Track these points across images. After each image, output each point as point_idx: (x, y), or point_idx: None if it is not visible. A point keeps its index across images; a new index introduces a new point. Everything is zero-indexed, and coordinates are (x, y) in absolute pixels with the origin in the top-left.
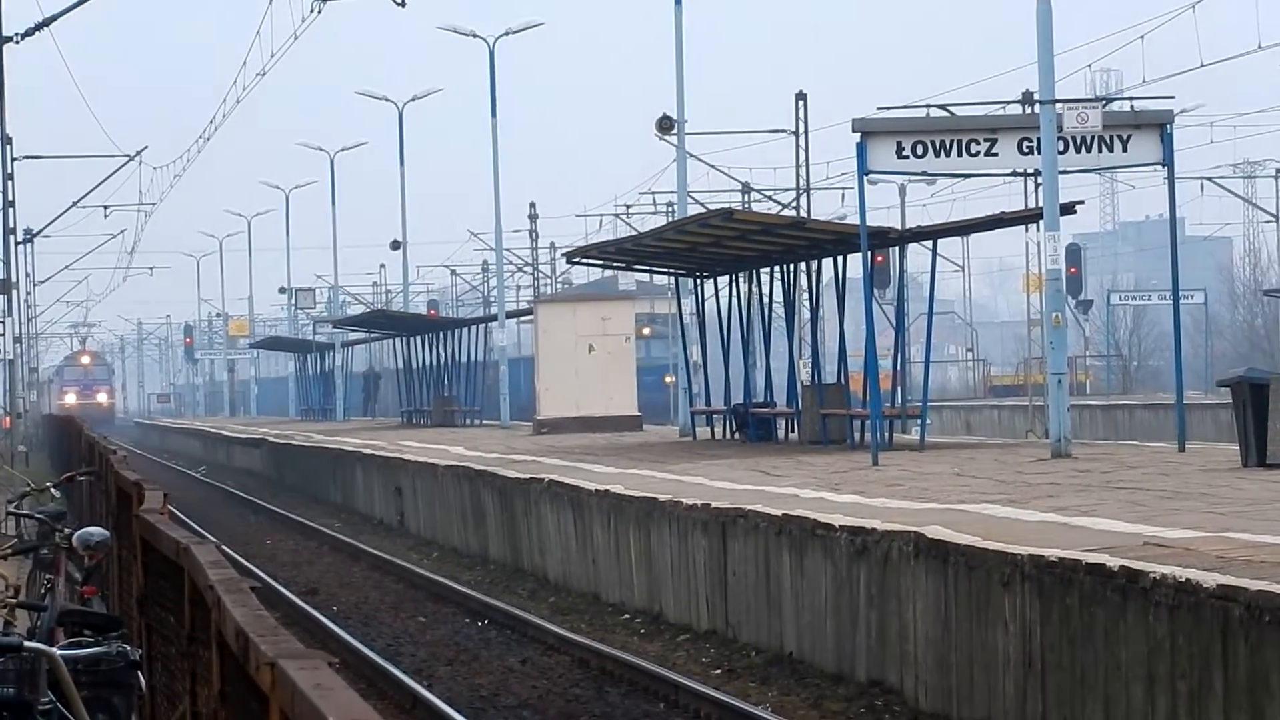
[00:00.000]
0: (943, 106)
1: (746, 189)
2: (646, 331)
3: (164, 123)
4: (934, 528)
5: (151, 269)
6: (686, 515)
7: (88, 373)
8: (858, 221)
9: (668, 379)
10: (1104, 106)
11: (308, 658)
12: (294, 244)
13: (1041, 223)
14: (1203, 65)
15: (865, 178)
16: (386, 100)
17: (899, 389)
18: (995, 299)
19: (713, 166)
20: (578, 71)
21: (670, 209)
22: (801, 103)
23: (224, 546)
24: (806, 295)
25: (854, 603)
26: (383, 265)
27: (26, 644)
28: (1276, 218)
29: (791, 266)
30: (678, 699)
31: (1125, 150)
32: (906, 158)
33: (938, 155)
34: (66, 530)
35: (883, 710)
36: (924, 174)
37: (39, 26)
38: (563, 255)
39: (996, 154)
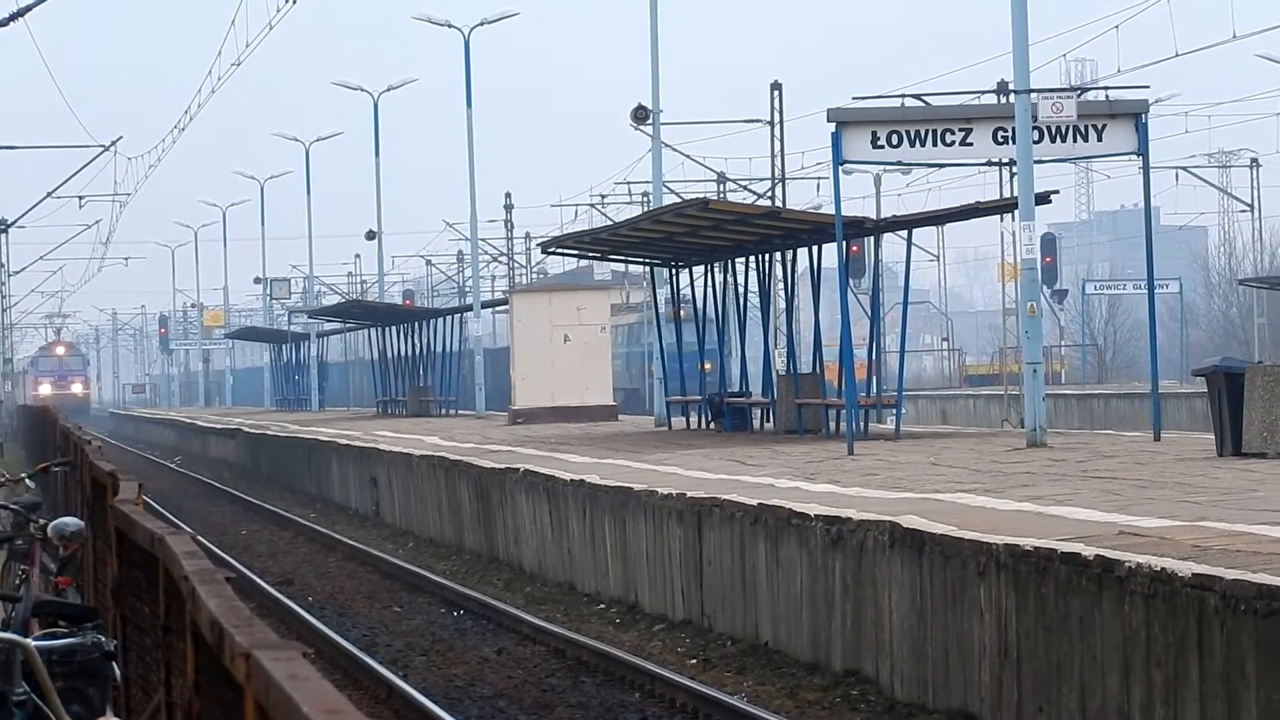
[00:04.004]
0: (918, 96)
1: (722, 179)
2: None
3: (139, 113)
4: (909, 517)
5: (127, 259)
6: (662, 505)
7: (63, 363)
8: (833, 211)
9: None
10: (1079, 96)
11: (283, 648)
12: (269, 234)
13: (1016, 212)
14: (1177, 55)
15: (840, 167)
16: (362, 90)
17: (874, 378)
18: (970, 288)
19: (688, 156)
20: (553, 62)
21: (646, 199)
22: (777, 93)
23: (199, 537)
24: (782, 285)
25: (829, 592)
26: (358, 255)
27: (1, 635)
28: (1251, 207)
29: (767, 256)
30: (653, 689)
31: (1100, 140)
32: (882, 147)
33: (913, 145)
34: (41, 521)
35: (858, 699)
36: (899, 164)
37: (13, 17)
38: (538, 245)
39: (971, 144)
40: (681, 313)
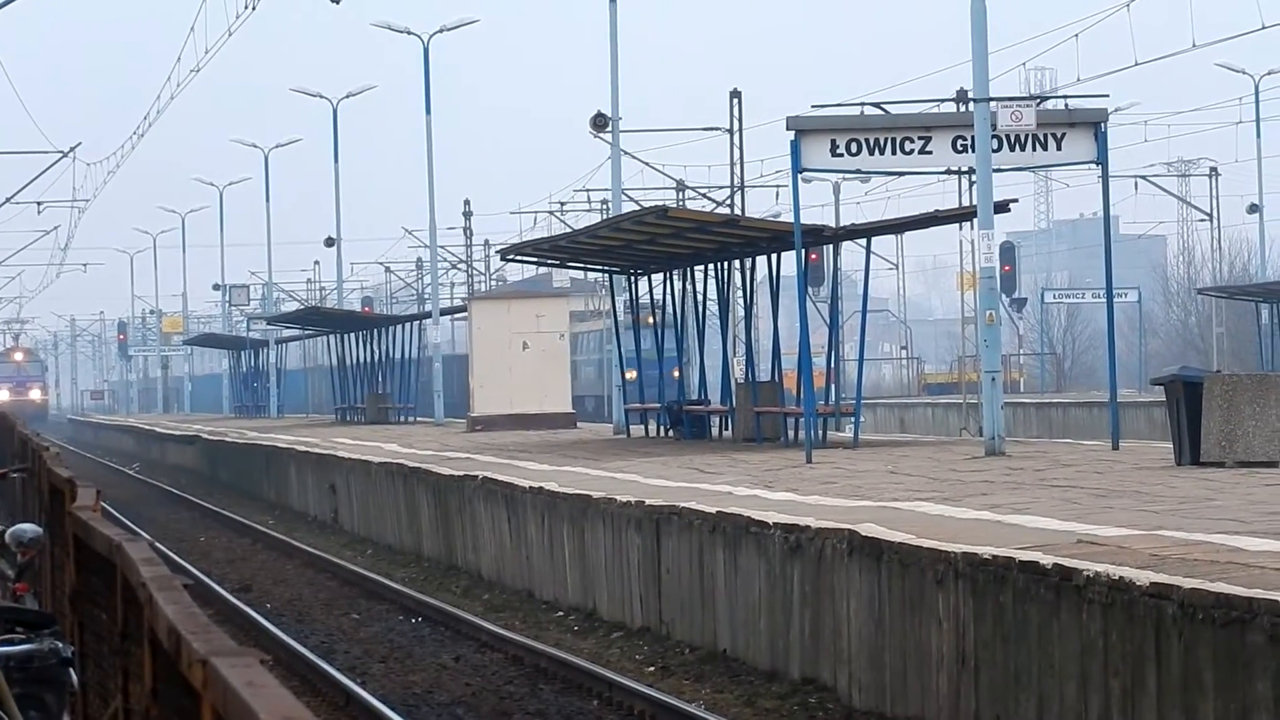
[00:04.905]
0: (877, 104)
1: (681, 186)
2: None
3: (98, 119)
4: (868, 525)
5: (85, 265)
6: (620, 513)
7: (20, 369)
8: (792, 219)
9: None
10: (1038, 105)
11: (240, 655)
12: (228, 241)
13: (976, 221)
14: (1137, 64)
15: (800, 175)
16: (321, 97)
17: (833, 387)
18: (929, 297)
19: (647, 164)
20: (513, 69)
21: (605, 206)
22: (736, 101)
23: (157, 544)
24: (741, 293)
25: (788, 600)
26: (317, 262)
27: None
28: (1210, 216)
29: (726, 264)
30: (611, 696)
31: (1059, 149)
32: (841, 155)
33: (872, 153)
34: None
35: (816, 708)
36: (858, 172)
37: None
38: (497, 252)
39: (931, 152)
40: (651, 319)
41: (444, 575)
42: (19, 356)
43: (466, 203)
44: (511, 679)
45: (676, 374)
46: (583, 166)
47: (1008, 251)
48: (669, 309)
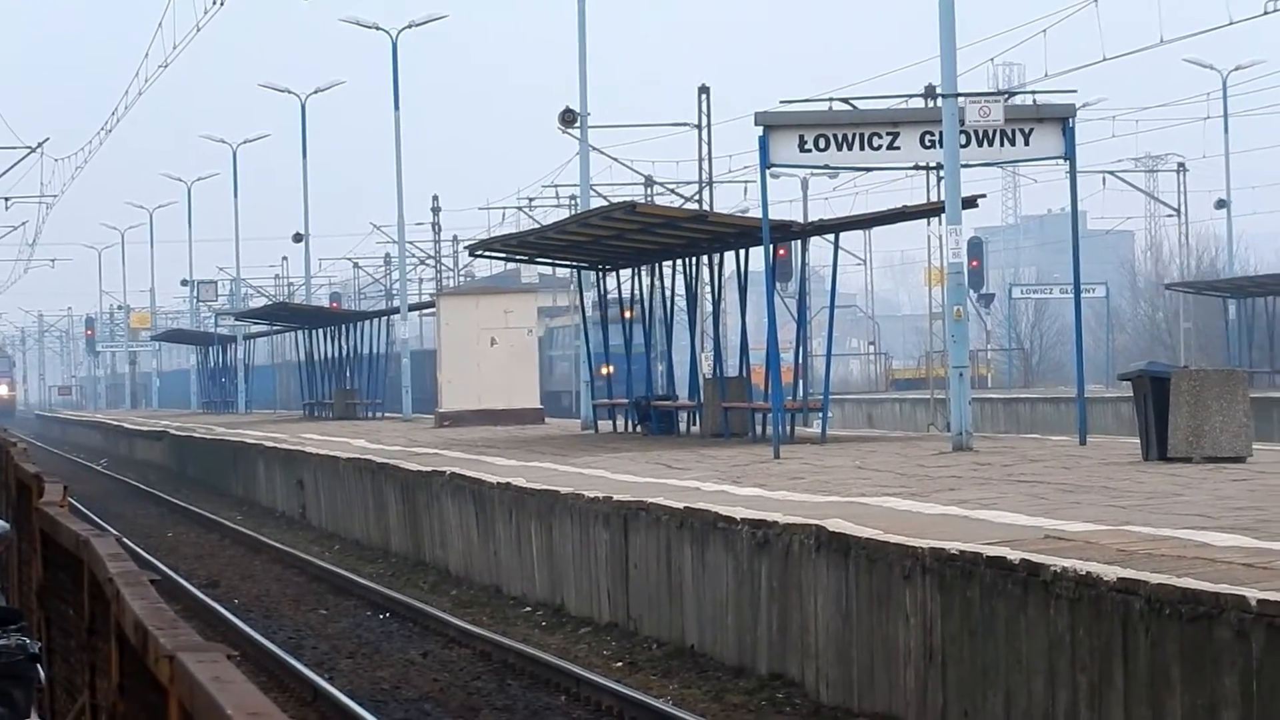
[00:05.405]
0: (845, 100)
1: (649, 182)
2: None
3: (66, 114)
4: (835, 521)
5: (53, 261)
6: (588, 508)
7: None
8: (760, 215)
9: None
10: (1006, 100)
11: (207, 650)
12: (196, 236)
13: (943, 216)
14: (1105, 60)
15: (767, 171)
16: (289, 93)
17: (801, 382)
18: (897, 292)
19: (616, 160)
20: (481, 65)
21: (573, 202)
22: (704, 96)
23: (124, 539)
24: (709, 288)
25: (755, 596)
26: (285, 258)
27: None
28: (1178, 212)
29: (694, 259)
30: (579, 691)
31: (1027, 144)
32: (809, 151)
33: (840, 149)
34: None
35: (784, 703)
36: (826, 167)
37: None
38: (465, 248)
39: (899, 147)
40: (629, 314)
41: (412, 571)
42: None
43: (435, 198)
44: (479, 674)
45: (661, 368)
46: (551, 162)
47: (975, 247)
48: (646, 303)
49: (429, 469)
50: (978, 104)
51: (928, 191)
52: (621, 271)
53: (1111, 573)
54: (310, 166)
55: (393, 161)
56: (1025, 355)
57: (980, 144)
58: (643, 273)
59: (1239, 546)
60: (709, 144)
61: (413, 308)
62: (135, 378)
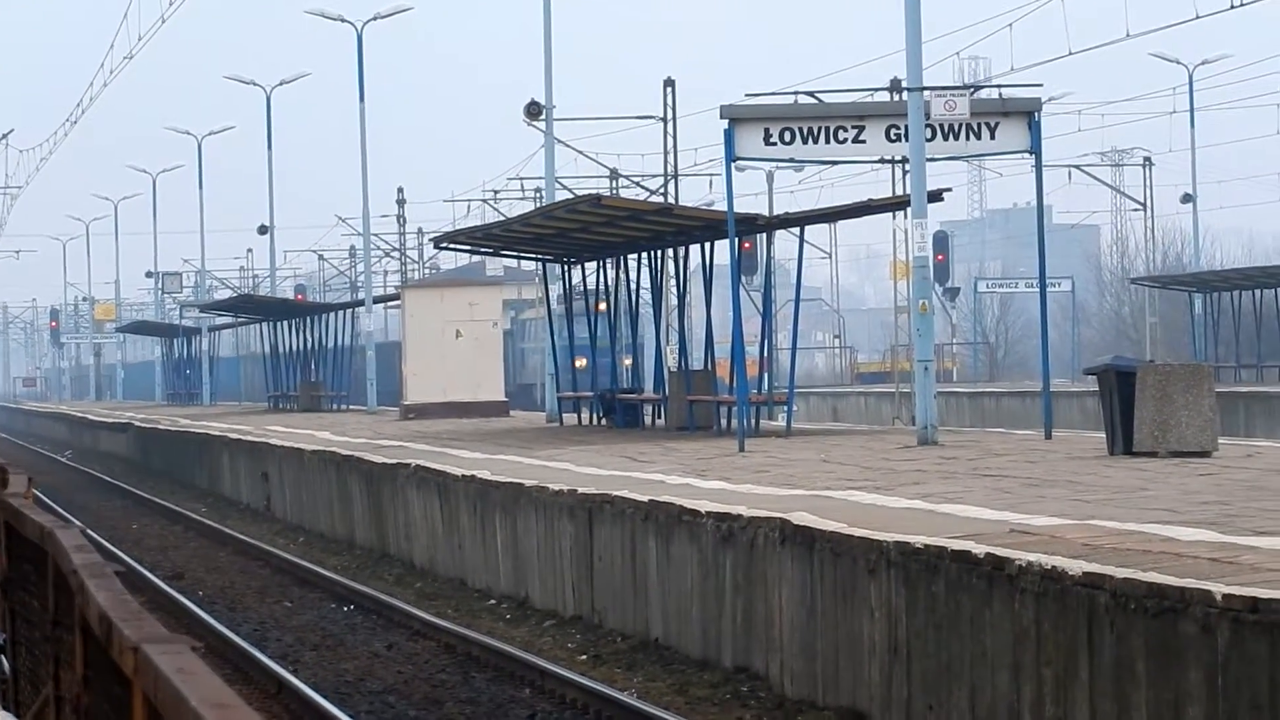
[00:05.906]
0: (811, 93)
1: (615, 175)
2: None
3: (31, 105)
4: (800, 514)
5: (18, 252)
6: (553, 501)
7: None
8: (725, 208)
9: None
10: (972, 94)
11: (171, 642)
12: (161, 228)
13: (909, 210)
14: (1071, 53)
15: (733, 164)
16: (254, 84)
17: (766, 375)
18: (863, 286)
19: (581, 153)
20: (446, 57)
21: (538, 195)
22: (670, 89)
23: (89, 531)
24: (674, 281)
25: (720, 589)
26: (250, 250)
27: None
28: (1144, 206)
29: (659, 252)
30: (543, 684)
31: (993, 138)
32: (774, 144)
33: (805, 142)
34: None
35: (748, 696)
36: (792, 161)
37: None
38: (430, 240)
39: (864, 141)
40: (603, 306)
41: (376, 563)
42: None
43: (400, 190)
44: (443, 667)
45: (628, 362)
46: (516, 155)
47: (941, 241)
48: (621, 296)
49: (394, 461)
50: (943, 98)
51: (893, 185)
52: (587, 264)
53: (1077, 567)
54: (276, 159)
55: (358, 153)
56: (990, 349)
57: (946, 138)
58: (608, 265)
59: (1204, 541)
60: (674, 137)
61: (377, 300)
62: (100, 369)
